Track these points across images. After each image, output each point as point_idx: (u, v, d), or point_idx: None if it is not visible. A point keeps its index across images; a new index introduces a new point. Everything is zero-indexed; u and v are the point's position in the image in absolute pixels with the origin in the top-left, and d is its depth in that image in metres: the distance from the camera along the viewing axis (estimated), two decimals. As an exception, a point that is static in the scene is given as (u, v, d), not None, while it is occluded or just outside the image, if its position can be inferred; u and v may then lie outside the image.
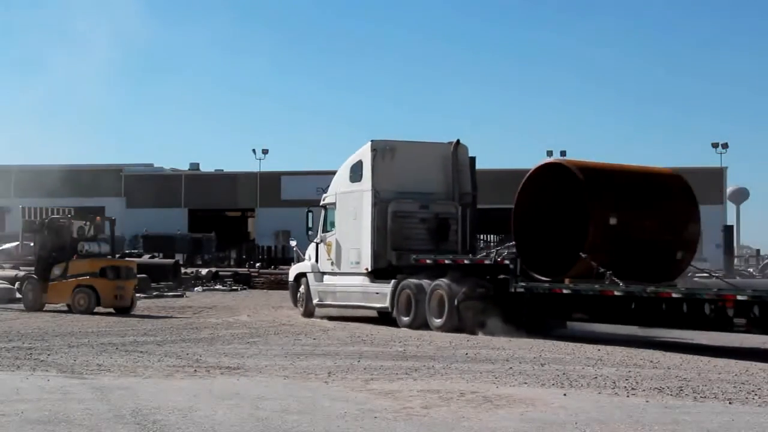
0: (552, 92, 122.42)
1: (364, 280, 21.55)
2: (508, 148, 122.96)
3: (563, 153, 73.67)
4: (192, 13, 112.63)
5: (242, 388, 10.67)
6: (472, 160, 22.18)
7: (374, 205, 21.10)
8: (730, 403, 9.95)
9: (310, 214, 24.09)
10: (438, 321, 19.18)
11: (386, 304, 20.58)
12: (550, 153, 74.10)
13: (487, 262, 19.59)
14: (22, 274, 25.62)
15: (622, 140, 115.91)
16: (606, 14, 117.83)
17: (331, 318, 22.64)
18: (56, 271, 23.94)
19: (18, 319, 21.13)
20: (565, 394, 10.38)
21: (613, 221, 17.71)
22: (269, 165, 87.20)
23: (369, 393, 10.37)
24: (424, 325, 19.42)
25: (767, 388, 11.03)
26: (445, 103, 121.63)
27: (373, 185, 21.15)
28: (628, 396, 10.36)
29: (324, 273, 22.97)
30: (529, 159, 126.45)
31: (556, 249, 18.21)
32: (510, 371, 12.42)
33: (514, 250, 19.12)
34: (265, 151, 74.15)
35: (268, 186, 72.24)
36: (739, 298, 15.16)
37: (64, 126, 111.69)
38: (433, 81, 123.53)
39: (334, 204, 22.69)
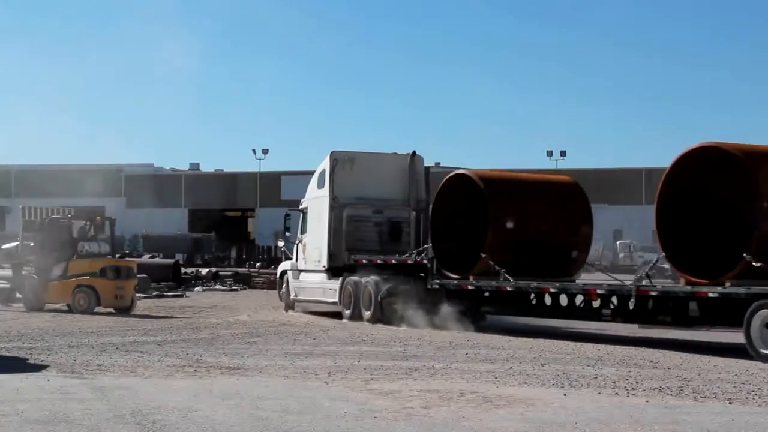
0: (552, 91, 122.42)
1: (323, 278, 23.71)
2: (508, 147, 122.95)
3: (563, 153, 73.98)
4: (191, 13, 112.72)
5: (242, 388, 10.66)
6: (427, 169, 24.18)
7: (331, 209, 23.30)
8: (730, 403, 9.94)
9: (287, 218, 26.85)
10: (367, 314, 21.61)
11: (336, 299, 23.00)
12: (550, 153, 74.35)
13: (409, 261, 21.54)
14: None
15: (623, 140, 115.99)
16: (606, 12, 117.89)
17: (306, 312, 24.56)
18: (56, 271, 23.95)
19: (18, 319, 21.13)
20: (565, 394, 10.38)
21: (510, 225, 19.89)
22: (269, 165, 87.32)
23: (369, 393, 10.37)
24: (360, 317, 21.73)
25: (767, 388, 11.03)
26: (446, 102, 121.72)
27: (331, 191, 23.35)
28: (628, 396, 10.35)
29: (301, 271, 25.09)
30: (530, 159, 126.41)
31: (465, 250, 20.33)
32: (510, 371, 12.43)
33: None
34: (265, 151, 74.30)
35: (268, 186, 72.30)
36: (599, 291, 17.30)
37: (65, 126, 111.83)
38: (433, 80, 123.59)
39: (306, 208, 24.98)
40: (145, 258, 42.68)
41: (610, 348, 15.75)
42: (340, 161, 23.39)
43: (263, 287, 38.70)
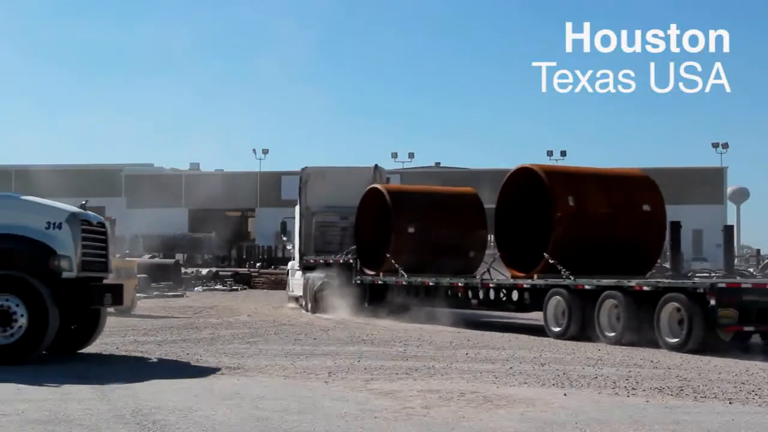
0: (552, 90, 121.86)
1: (299, 275, 27.21)
2: (509, 147, 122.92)
3: (563, 153, 73.86)
4: (191, 14, 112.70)
5: (242, 388, 10.66)
6: (388, 180, 28.04)
7: (302, 216, 26.98)
8: (730, 403, 9.95)
9: (283, 224, 30.93)
10: (309, 304, 25.41)
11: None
12: (550, 153, 74.24)
13: (341, 261, 24.98)
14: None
15: (623, 140, 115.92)
16: (604, 12, 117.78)
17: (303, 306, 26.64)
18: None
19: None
20: (565, 394, 10.38)
21: (411, 230, 23.57)
22: (269, 165, 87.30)
23: (369, 393, 10.37)
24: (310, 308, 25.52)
25: (767, 388, 11.04)
26: (446, 102, 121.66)
27: (302, 201, 27.00)
28: (628, 396, 10.35)
29: (296, 269, 28.28)
30: (530, 159, 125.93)
31: (380, 251, 23.87)
32: (510, 371, 12.43)
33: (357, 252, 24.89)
34: (265, 151, 74.37)
35: (268, 186, 72.28)
36: (459, 284, 21.21)
37: (65, 126, 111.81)
38: (432, 80, 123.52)
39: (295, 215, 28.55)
40: (145, 258, 42.67)
41: (610, 348, 15.77)
42: (312, 175, 26.98)
43: (263, 287, 38.75)
